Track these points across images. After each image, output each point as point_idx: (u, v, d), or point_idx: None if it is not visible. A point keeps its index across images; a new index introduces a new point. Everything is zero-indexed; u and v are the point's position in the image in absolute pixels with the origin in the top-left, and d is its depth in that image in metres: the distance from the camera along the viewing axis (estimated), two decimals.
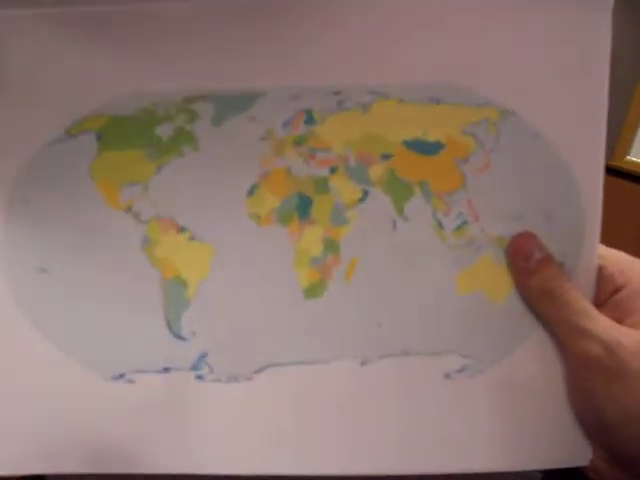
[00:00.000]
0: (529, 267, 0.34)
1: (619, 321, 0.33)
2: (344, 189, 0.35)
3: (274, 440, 0.36)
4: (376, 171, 0.35)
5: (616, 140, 1.35)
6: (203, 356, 0.35)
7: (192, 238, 0.35)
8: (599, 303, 0.35)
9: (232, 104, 0.35)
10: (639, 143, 1.43)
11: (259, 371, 0.35)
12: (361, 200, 0.35)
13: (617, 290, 0.35)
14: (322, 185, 0.35)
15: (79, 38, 0.34)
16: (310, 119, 0.35)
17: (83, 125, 0.35)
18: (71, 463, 0.35)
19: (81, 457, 0.35)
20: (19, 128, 0.35)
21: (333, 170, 0.35)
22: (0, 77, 0.34)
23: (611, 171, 1.39)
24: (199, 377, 0.35)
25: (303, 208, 0.35)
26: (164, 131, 0.35)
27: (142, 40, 0.34)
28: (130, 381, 0.35)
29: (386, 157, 0.35)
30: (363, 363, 0.35)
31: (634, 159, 1.44)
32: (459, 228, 0.35)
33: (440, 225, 0.35)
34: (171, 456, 0.35)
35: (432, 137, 0.35)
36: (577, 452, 0.35)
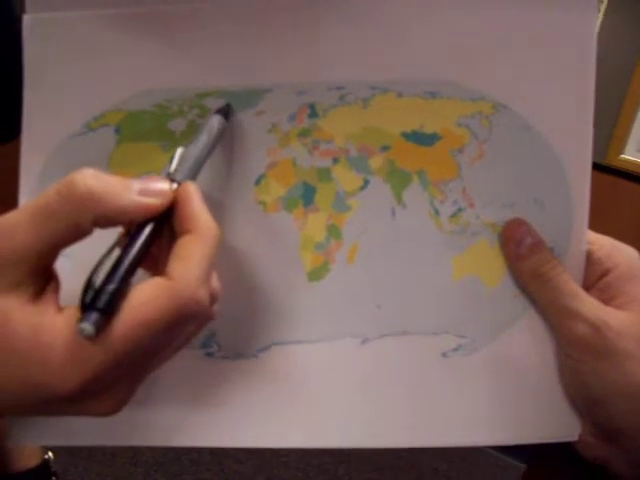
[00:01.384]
0: (521, 252, 0.36)
1: (606, 303, 0.35)
2: (346, 178, 0.37)
3: (278, 414, 0.37)
4: (376, 161, 0.37)
5: (610, 139, 1.37)
6: (212, 335, 0.37)
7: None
8: (587, 286, 0.37)
9: (241, 99, 0.37)
10: (633, 142, 1.45)
11: (265, 349, 0.37)
12: (362, 188, 0.37)
13: (605, 273, 0.36)
14: (325, 174, 0.37)
15: (100, 39, 0.36)
16: (313, 113, 0.37)
17: (102, 120, 0.37)
18: (86, 436, 0.37)
19: (95, 430, 0.37)
20: (43, 122, 0.37)
21: (335, 160, 0.37)
22: (37, 76, 0.36)
23: (605, 169, 1.41)
24: (208, 354, 0.37)
25: (307, 196, 0.37)
26: (177, 125, 0.37)
27: (157, 40, 0.36)
28: None
29: (385, 148, 0.37)
30: (364, 342, 0.37)
31: (628, 157, 1.45)
32: (454, 215, 0.37)
33: (437, 212, 0.37)
34: (184, 429, 0.37)
35: (429, 129, 0.37)
36: (566, 427, 0.37)
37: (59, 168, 0.37)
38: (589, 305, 0.35)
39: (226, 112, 0.36)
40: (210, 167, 0.37)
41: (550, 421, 0.37)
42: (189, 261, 0.28)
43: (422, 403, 0.37)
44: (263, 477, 1.52)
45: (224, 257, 0.37)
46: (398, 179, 0.37)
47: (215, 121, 0.35)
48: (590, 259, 0.37)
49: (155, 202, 0.29)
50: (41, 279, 0.28)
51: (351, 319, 0.37)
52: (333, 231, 0.37)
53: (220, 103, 0.36)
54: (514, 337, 0.37)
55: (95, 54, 0.36)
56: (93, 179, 0.27)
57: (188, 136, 0.37)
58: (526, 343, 0.37)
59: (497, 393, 0.37)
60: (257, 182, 0.37)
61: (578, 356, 0.35)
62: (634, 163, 1.44)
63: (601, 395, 0.34)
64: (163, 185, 0.29)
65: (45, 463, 0.65)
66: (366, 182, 0.37)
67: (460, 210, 0.37)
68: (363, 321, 0.37)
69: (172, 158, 0.32)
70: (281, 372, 0.37)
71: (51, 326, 0.26)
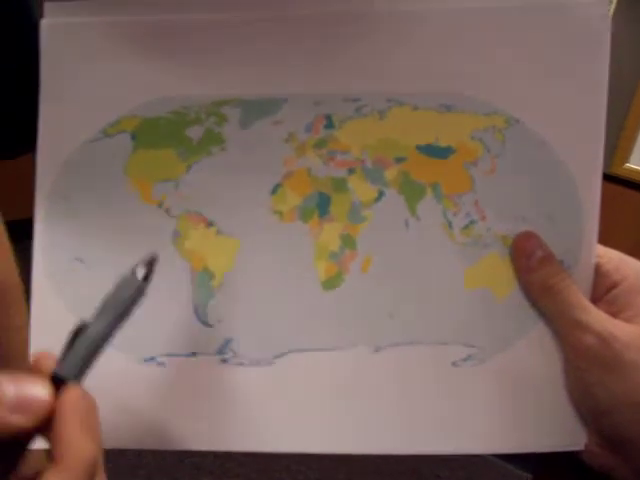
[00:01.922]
0: (531, 264, 0.37)
1: (614, 315, 0.36)
2: (361, 189, 0.38)
3: (292, 419, 0.38)
4: (391, 173, 0.38)
5: (615, 148, 1.37)
6: (228, 341, 0.38)
7: (219, 232, 0.38)
8: (596, 298, 0.37)
9: (258, 108, 0.37)
10: (638, 151, 1.45)
11: (280, 356, 0.38)
12: (377, 200, 0.38)
13: (613, 286, 0.37)
14: (341, 185, 0.38)
15: (117, 45, 0.37)
16: (330, 124, 0.37)
17: (119, 126, 0.38)
18: (105, 440, 0.38)
19: (114, 434, 0.38)
20: (60, 128, 0.38)
21: (351, 171, 0.38)
22: (53, 81, 0.37)
23: (610, 178, 1.41)
24: (224, 361, 0.38)
25: (323, 206, 0.38)
26: (194, 132, 0.38)
27: (174, 48, 0.37)
28: (160, 364, 0.37)
29: (400, 160, 0.37)
30: (376, 350, 0.38)
31: (633, 166, 1.46)
32: (467, 227, 0.38)
33: (449, 224, 0.38)
34: (198, 434, 0.38)
35: (443, 142, 0.37)
36: (573, 437, 0.38)
37: (75, 174, 0.38)
38: (597, 317, 0.35)
39: (148, 269, 0.30)
40: (227, 176, 0.38)
41: (556, 430, 0.38)
42: None
43: (432, 411, 0.38)
44: (264, 479, 1.52)
45: (241, 266, 0.38)
46: (412, 191, 0.37)
47: (126, 288, 0.29)
48: (599, 272, 0.37)
49: (26, 423, 0.24)
50: None
51: (364, 328, 0.38)
52: (348, 241, 0.38)
53: (237, 111, 0.37)
54: (523, 348, 0.38)
55: (112, 60, 0.37)
56: None
57: (205, 143, 0.38)
58: (535, 354, 0.38)
59: (505, 402, 0.38)
60: (273, 191, 0.38)
61: (586, 367, 0.35)
62: (639, 172, 1.45)
63: (608, 405, 0.35)
64: (41, 395, 0.25)
65: None
66: (381, 193, 0.38)
67: (472, 222, 0.38)
68: (375, 330, 0.38)
69: (68, 339, 0.27)
70: (295, 379, 0.38)
71: None
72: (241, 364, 0.38)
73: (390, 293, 0.38)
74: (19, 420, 0.24)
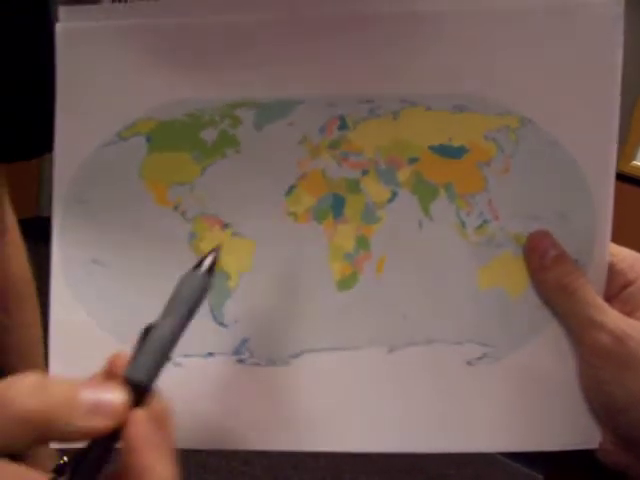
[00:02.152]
0: (545, 263, 0.37)
1: (628, 314, 0.36)
2: (374, 190, 0.38)
3: (308, 418, 0.38)
4: (404, 174, 0.38)
5: (622, 146, 1.37)
6: (244, 342, 0.38)
7: (234, 234, 0.38)
8: (610, 297, 0.37)
9: (272, 111, 0.37)
10: None
11: (295, 356, 0.38)
12: (390, 200, 0.38)
13: (627, 285, 0.37)
14: (354, 186, 0.38)
15: (132, 49, 0.37)
16: (343, 125, 0.38)
17: (134, 129, 0.38)
18: None
19: None
20: (76, 132, 0.38)
21: (364, 172, 0.38)
22: (69, 84, 0.37)
23: (617, 176, 1.41)
24: (240, 361, 0.38)
25: (337, 207, 0.38)
26: (209, 135, 0.38)
27: (189, 50, 0.37)
28: (177, 364, 0.38)
29: (413, 160, 0.38)
30: (390, 350, 0.38)
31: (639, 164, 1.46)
32: (480, 227, 0.38)
33: (463, 224, 0.38)
34: (213, 433, 0.38)
35: (456, 142, 0.37)
36: (587, 435, 0.38)
37: (91, 178, 0.38)
38: (612, 316, 0.35)
39: (211, 265, 0.29)
40: (241, 178, 0.38)
41: (571, 428, 0.38)
42: None
43: (447, 410, 0.38)
44: (270, 477, 1.53)
45: (256, 267, 0.38)
46: (425, 192, 0.38)
47: (192, 286, 0.28)
48: (612, 271, 0.38)
49: (105, 426, 0.24)
50: None
51: (378, 328, 0.38)
52: (362, 242, 0.38)
53: (251, 114, 0.37)
54: (537, 347, 0.38)
55: (127, 63, 0.37)
56: (32, 397, 0.23)
57: (219, 146, 0.38)
58: (549, 352, 0.38)
59: (519, 401, 0.38)
60: (288, 193, 0.38)
61: (600, 365, 0.36)
62: None
63: (623, 403, 0.35)
64: (116, 399, 0.25)
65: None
66: (394, 194, 0.38)
67: (486, 222, 0.38)
68: (390, 330, 0.38)
69: (138, 341, 0.27)
70: (311, 379, 0.38)
71: None
72: (257, 364, 0.38)
73: (404, 293, 0.38)
74: (98, 423, 0.24)
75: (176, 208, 0.38)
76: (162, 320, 0.27)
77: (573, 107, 0.37)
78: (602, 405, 0.37)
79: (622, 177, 1.40)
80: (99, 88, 0.38)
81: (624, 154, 1.43)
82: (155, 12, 0.37)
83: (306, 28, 0.36)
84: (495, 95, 0.37)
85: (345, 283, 0.38)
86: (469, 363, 0.38)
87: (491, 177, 0.37)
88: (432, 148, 0.37)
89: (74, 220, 0.38)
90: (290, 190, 0.38)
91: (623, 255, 0.38)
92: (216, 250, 0.29)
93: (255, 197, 0.38)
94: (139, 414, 0.25)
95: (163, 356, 0.27)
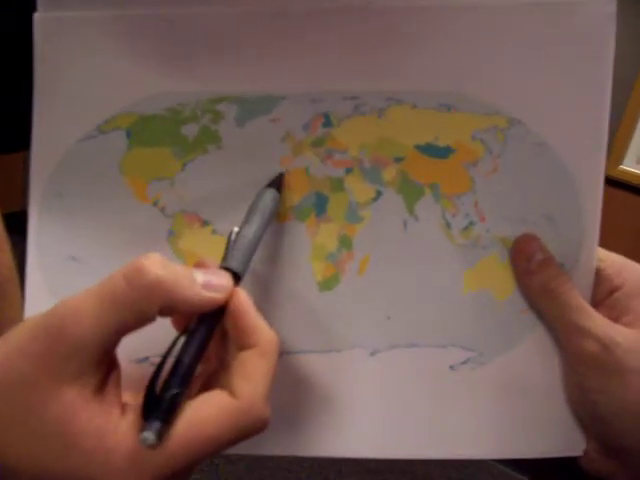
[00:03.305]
0: (531, 267, 0.36)
1: (615, 320, 0.35)
2: (359, 189, 0.37)
3: (287, 422, 0.37)
4: (389, 173, 0.37)
5: (610, 149, 1.38)
6: None
7: (214, 232, 0.37)
8: (597, 302, 0.37)
9: (255, 106, 0.37)
10: (632, 152, 1.45)
11: None
12: (374, 200, 0.37)
13: (614, 290, 0.36)
14: (338, 184, 0.37)
15: (111, 40, 0.36)
16: (328, 122, 0.37)
17: (114, 122, 0.37)
18: None
19: None
20: (54, 125, 0.37)
21: (348, 171, 0.37)
22: (47, 76, 0.36)
23: (604, 180, 1.41)
24: None
25: (320, 205, 0.37)
26: (190, 130, 0.37)
27: (171, 43, 0.36)
28: (154, 364, 0.37)
29: (399, 160, 0.37)
30: (373, 353, 0.37)
31: (627, 168, 1.46)
32: (466, 228, 0.37)
33: (448, 225, 0.37)
34: None
35: (443, 142, 0.37)
36: (571, 443, 0.37)
37: (69, 172, 0.37)
38: (598, 322, 0.35)
39: (278, 184, 0.36)
40: (223, 174, 0.37)
41: (555, 436, 0.38)
42: (255, 379, 0.28)
43: (429, 416, 0.37)
44: (254, 477, 1.52)
45: None
46: (410, 191, 0.37)
47: (269, 198, 0.35)
48: (600, 276, 0.37)
49: (217, 297, 0.29)
50: (103, 368, 0.27)
51: (361, 330, 0.37)
52: (345, 242, 0.37)
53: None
54: (522, 352, 0.37)
55: (107, 55, 0.36)
56: (161, 268, 0.27)
57: (201, 141, 0.37)
58: (534, 358, 0.37)
59: (503, 407, 0.38)
60: None
61: (585, 372, 0.35)
62: (633, 174, 1.45)
63: (607, 412, 0.35)
64: (225, 280, 0.30)
65: None
66: (378, 193, 0.37)
67: (471, 224, 0.37)
68: (372, 332, 0.37)
69: (227, 242, 0.32)
70: (291, 381, 0.37)
71: (114, 430, 0.26)
72: None
73: (388, 295, 0.37)
74: (213, 295, 0.29)
75: (156, 204, 0.37)
76: (244, 226, 0.33)
77: (563, 109, 0.36)
78: (587, 413, 0.36)
79: (610, 181, 1.40)
80: (78, 80, 0.36)
81: (612, 158, 1.43)
82: (136, 3, 0.36)
83: (290, 23, 0.36)
84: (483, 94, 0.36)
85: (327, 283, 0.37)
86: (452, 368, 0.37)
87: (478, 178, 0.37)
88: (418, 147, 0.37)
89: (51, 216, 0.37)
90: None
91: (611, 260, 0.37)
92: (282, 172, 0.37)
93: (236, 194, 0.37)
94: (241, 290, 0.30)
95: (250, 252, 0.32)
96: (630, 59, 1.41)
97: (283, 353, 0.37)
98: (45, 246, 0.37)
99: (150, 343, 0.36)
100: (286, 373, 0.37)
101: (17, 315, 0.61)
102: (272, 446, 0.38)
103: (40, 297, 0.37)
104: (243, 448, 0.37)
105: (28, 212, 0.37)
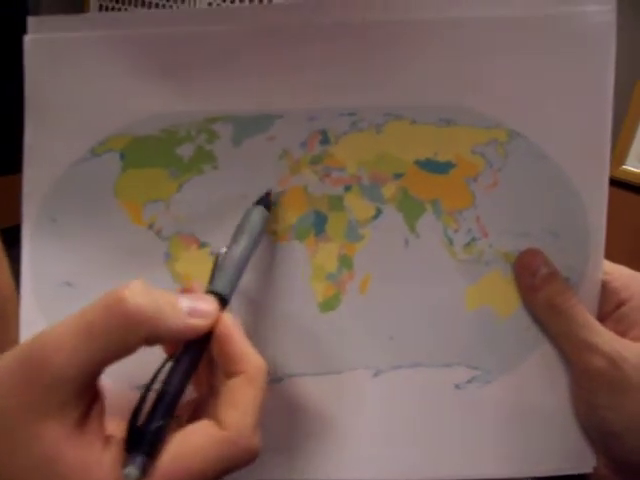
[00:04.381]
0: (535, 283, 0.35)
1: (622, 334, 0.35)
2: (358, 207, 0.36)
3: (290, 445, 0.37)
4: (389, 190, 0.36)
5: (612, 149, 1.37)
6: None
7: (212, 253, 0.36)
8: (603, 317, 0.36)
9: (251, 125, 0.36)
10: (635, 152, 1.45)
11: (278, 381, 0.37)
12: (374, 217, 0.36)
13: (621, 304, 0.36)
14: (337, 203, 0.36)
15: (104, 61, 0.35)
16: (325, 139, 0.36)
17: (107, 145, 0.36)
18: None
19: None
20: (47, 148, 0.36)
21: (347, 188, 0.36)
22: (39, 99, 0.36)
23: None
24: None
25: (319, 225, 0.36)
26: (185, 151, 0.36)
27: (164, 63, 0.35)
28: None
29: (398, 176, 0.36)
30: (376, 374, 0.37)
31: (630, 168, 1.45)
32: (468, 244, 0.36)
33: (450, 241, 0.36)
34: None
35: (443, 157, 0.36)
36: (582, 460, 0.37)
37: (63, 195, 0.36)
38: (606, 337, 0.34)
39: (267, 202, 0.35)
40: (219, 195, 0.36)
41: (565, 453, 0.37)
42: (242, 408, 0.28)
43: (435, 436, 0.37)
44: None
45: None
46: (411, 208, 0.36)
47: (257, 216, 0.34)
48: (606, 289, 0.36)
49: (202, 324, 0.28)
50: (86, 399, 0.27)
51: (363, 351, 0.37)
52: (345, 261, 0.36)
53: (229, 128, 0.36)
54: (528, 369, 0.37)
55: (99, 77, 0.35)
56: (143, 296, 0.26)
57: (196, 162, 0.36)
58: (540, 375, 0.37)
59: (511, 425, 0.37)
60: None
61: (593, 388, 0.34)
62: (635, 174, 1.44)
63: (616, 428, 0.34)
64: (210, 305, 0.29)
65: None
66: (378, 211, 0.36)
67: (474, 239, 0.36)
68: (375, 353, 0.37)
69: (214, 264, 0.32)
70: (293, 404, 0.37)
71: (98, 464, 0.26)
72: None
73: (390, 314, 0.37)
74: (197, 322, 0.28)
75: (151, 227, 0.36)
76: (231, 246, 0.32)
77: (564, 120, 0.35)
78: (596, 429, 0.36)
79: (612, 181, 1.40)
80: (70, 102, 0.36)
81: (614, 159, 1.42)
82: (128, 24, 0.35)
83: (285, 40, 0.35)
84: (483, 108, 0.36)
85: (328, 304, 0.36)
86: (457, 387, 0.37)
87: (479, 193, 0.36)
88: (418, 163, 0.36)
89: (45, 241, 0.36)
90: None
91: (618, 273, 0.37)
92: (270, 190, 0.36)
93: (233, 214, 0.36)
94: (227, 315, 0.30)
95: (237, 273, 0.31)
96: (631, 61, 1.40)
97: (284, 376, 0.37)
98: (39, 272, 0.36)
99: (152, 370, 0.36)
100: (286, 397, 0.37)
101: (16, 336, 0.60)
102: (272, 470, 0.37)
103: (35, 323, 0.36)
104: (242, 474, 0.36)
105: (22, 237, 0.37)
